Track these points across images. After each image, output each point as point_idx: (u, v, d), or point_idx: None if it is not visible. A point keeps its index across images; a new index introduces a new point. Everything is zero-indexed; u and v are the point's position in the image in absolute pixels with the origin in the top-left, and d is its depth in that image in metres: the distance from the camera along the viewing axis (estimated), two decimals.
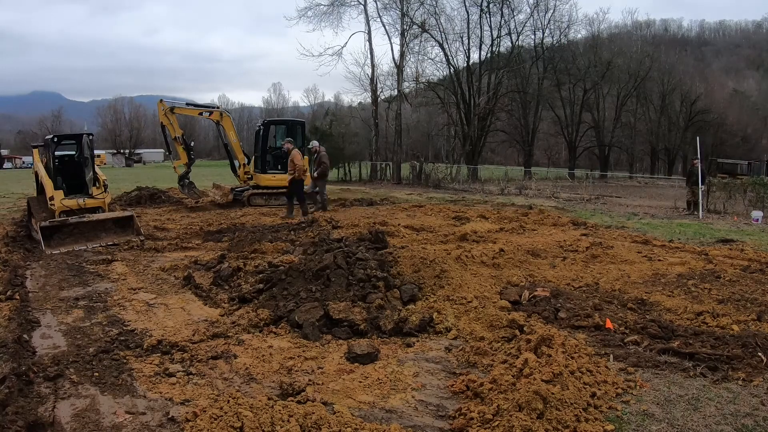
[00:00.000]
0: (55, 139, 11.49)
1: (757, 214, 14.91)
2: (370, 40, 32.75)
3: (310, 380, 4.20)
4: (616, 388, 3.97)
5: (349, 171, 33.18)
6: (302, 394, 3.90)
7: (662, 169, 52.20)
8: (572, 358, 4.14)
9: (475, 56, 37.47)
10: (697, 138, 18.62)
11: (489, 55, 37.09)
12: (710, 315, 5.57)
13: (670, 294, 6.51)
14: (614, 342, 4.99)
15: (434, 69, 42.35)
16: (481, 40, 36.72)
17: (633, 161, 53.10)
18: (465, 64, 36.73)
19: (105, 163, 61.56)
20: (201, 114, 17.83)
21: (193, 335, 5.18)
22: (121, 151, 79.02)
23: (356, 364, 4.52)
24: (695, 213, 15.98)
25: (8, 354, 4.51)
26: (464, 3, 35.49)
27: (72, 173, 11.51)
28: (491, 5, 36.16)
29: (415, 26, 33.13)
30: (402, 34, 32.85)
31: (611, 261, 8.33)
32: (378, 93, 33.92)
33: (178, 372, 4.35)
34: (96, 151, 12.49)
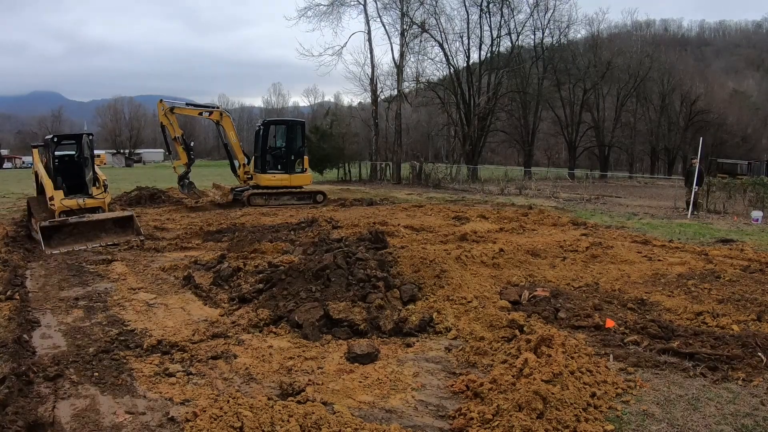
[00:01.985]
0: (55, 139, 11.49)
1: (757, 214, 14.92)
2: (370, 40, 32.76)
3: (310, 380, 4.20)
4: (616, 388, 3.97)
5: (349, 171, 33.16)
6: (302, 394, 3.90)
7: (662, 169, 52.16)
8: (572, 358, 4.13)
9: (475, 56, 37.49)
10: (701, 139, 18.62)
11: (489, 55, 37.08)
12: (710, 315, 5.58)
13: (670, 294, 6.52)
14: (614, 342, 4.99)
15: (434, 69, 42.50)
16: (481, 40, 36.74)
17: (633, 161, 53.06)
18: (465, 64, 36.73)
19: (105, 163, 61.38)
20: (201, 114, 17.82)
21: (193, 335, 5.18)
22: (121, 151, 78.89)
23: (356, 364, 4.52)
24: (695, 213, 15.97)
25: (8, 354, 4.51)
26: (464, 3, 35.49)
27: (72, 173, 11.50)
28: (491, 5, 36.15)
29: (415, 26, 33.12)
30: (402, 34, 32.83)
31: (611, 261, 8.33)
32: (378, 93, 33.89)
33: (178, 372, 4.35)
34: (96, 151, 12.47)
